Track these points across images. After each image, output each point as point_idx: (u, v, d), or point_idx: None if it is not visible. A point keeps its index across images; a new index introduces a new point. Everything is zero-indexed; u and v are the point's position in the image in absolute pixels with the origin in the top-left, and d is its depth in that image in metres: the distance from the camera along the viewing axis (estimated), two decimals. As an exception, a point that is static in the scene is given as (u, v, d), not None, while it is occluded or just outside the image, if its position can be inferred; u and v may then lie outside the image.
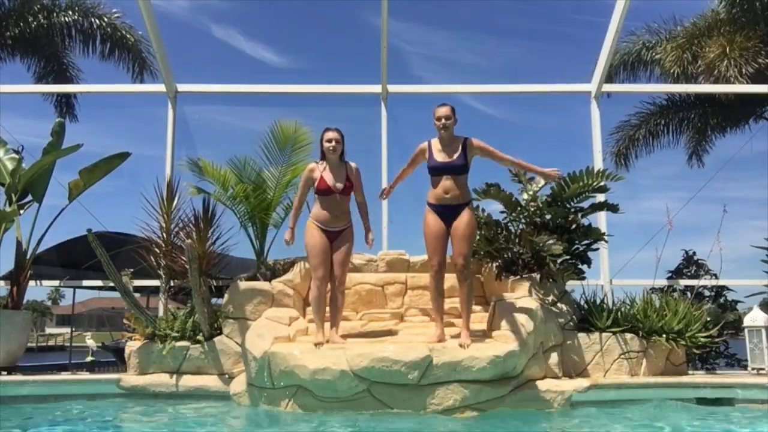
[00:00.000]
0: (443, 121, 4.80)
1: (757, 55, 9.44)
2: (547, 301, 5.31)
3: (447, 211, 4.75)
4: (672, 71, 10.56)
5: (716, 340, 5.82)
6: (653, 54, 11.23)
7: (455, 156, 4.77)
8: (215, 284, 5.91)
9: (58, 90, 12.08)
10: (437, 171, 4.78)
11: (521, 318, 4.73)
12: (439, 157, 4.80)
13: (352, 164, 5.02)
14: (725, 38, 9.68)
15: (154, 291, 10.50)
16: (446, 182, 4.75)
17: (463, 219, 4.73)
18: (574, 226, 5.62)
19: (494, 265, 5.65)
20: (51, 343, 37.61)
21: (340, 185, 4.88)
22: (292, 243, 5.07)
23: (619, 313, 5.40)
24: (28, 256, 6.49)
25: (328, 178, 4.89)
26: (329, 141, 4.92)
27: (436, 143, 4.87)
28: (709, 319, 5.78)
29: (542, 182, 5.69)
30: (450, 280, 5.77)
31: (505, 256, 5.56)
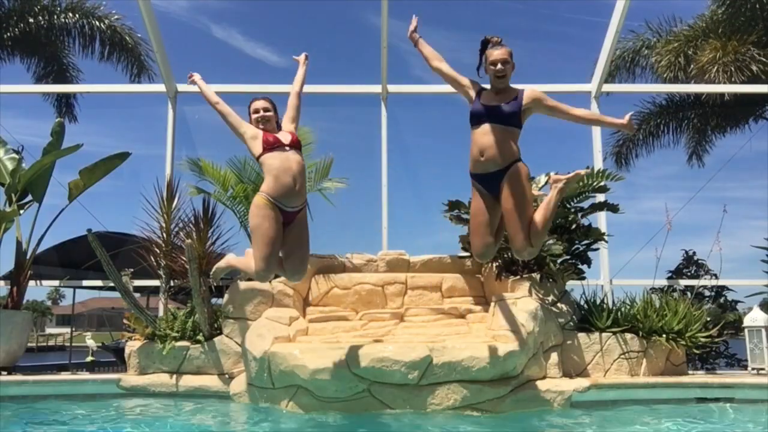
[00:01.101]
0: (499, 66, 3.86)
1: (751, 61, 9.43)
2: (547, 301, 5.31)
3: (488, 183, 3.87)
4: (665, 76, 10.59)
5: (716, 340, 5.82)
6: (652, 54, 11.23)
7: (506, 101, 3.83)
8: (215, 284, 5.91)
9: (58, 90, 12.08)
10: (479, 116, 3.86)
11: (521, 318, 4.73)
12: (488, 100, 3.88)
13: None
14: (719, 42, 9.67)
15: (154, 291, 10.48)
16: (486, 137, 3.80)
17: (510, 181, 3.78)
18: (574, 226, 5.62)
19: (494, 265, 5.65)
20: (51, 343, 37.57)
21: (287, 137, 4.11)
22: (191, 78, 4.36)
23: (619, 313, 5.40)
24: (28, 256, 6.49)
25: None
26: (256, 111, 4.17)
27: (487, 89, 3.99)
28: (709, 319, 5.78)
29: (542, 182, 5.68)
30: (450, 279, 5.79)
31: (505, 256, 5.56)
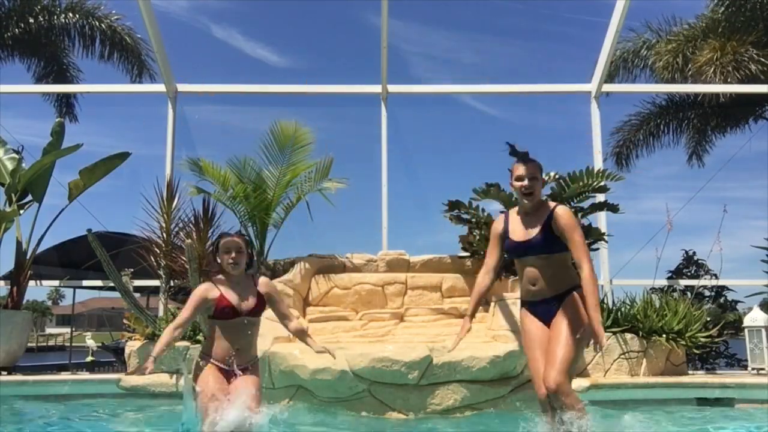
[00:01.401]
0: (526, 182, 3.31)
1: (750, 61, 9.43)
2: (547, 301, 5.29)
3: (541, 308, 3.41)
4: (663, 77, 10.59)
5: (716, 340, 5.82)
6: (652, 53, 11.22)
7: (537, 229, 3.32)
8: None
9: (58, 90, 12.07)
10: (515, 253, 3.44)
11: (521, 318, 4.72)
12: (518, 233, 3.40)
13: (264, 279, 3.63)
14: (718, 42, 9.68)
15: (154, 291, 10.49)
16: (530, 269, 3.36)
17: (560, 316, 3.29)
18: (574, 226, 5.61)
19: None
20: (51, 343, 37.57)
21: (247, 304, 3.43)
22: (148, 370, 3.29)
23: (619, 313, 5.40)
24: (28, 256, 6.49)
25: (231, 296, 3.42)
26: (227, 251, 3.45)
27: (514, 215, 3.47)
28: (709, 319, 5.78)
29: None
30: (450, 279, 5.78)
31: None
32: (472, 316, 3.64)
